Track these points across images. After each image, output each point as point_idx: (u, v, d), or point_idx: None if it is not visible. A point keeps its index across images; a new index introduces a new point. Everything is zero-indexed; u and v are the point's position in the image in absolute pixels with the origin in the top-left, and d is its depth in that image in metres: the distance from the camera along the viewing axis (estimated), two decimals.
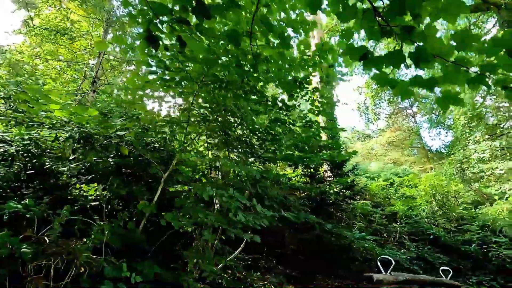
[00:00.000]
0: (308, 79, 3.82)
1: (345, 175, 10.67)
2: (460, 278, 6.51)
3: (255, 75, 3.10)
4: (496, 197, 9.41)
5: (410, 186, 10.42)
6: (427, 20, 1.69)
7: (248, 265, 5.49)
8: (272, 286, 4.46)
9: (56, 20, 9.45)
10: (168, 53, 2.90)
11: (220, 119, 3.82)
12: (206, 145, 4.49)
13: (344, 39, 2.19)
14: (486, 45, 1.55)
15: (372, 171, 14.30)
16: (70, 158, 3.81)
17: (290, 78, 3.68)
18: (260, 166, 6.75)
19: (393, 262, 3.14)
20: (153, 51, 2.57)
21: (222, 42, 2.79)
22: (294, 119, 4.29)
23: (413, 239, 7.73)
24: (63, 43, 9.53)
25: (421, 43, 1.63)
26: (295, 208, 5.62)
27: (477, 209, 9.68)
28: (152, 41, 2.03)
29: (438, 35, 1.65)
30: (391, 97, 22.55)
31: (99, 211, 3.33)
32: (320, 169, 10.59)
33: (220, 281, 3.90)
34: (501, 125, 10.98)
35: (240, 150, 4.34)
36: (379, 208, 9.69)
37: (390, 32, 1.67)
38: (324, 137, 10.22)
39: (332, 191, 8.42)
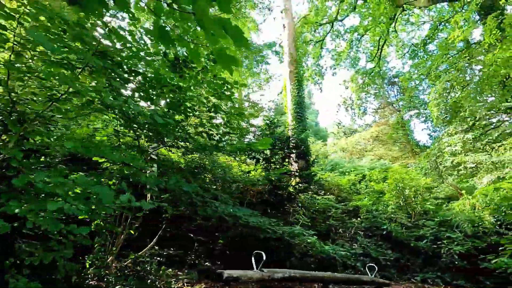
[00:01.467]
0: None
1: (307, 169, 10.38)
2: (406, 275, 6.20)
3: None
4: (463, 192, 9.03)
5: (377, 181, 10.07)
6: None
7: (173, 260, 5.27)
8: (175, 284, 4.20)
9: None
10: None
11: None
12: None
13: None
14: None
15: (347, 166, 13.94)
16: None
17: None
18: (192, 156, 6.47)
19: None
20: None
21: None
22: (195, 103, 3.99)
23: (368, 234, 7.42)
24: None
25: None
26: (222, 202, 5.35)
27: (447, 205, 9.34)
28: None
29: None
30: (378, 91, 22.07)
31: None
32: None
33: (108, 278, 3.64)
34: (476, 117, 10.56)
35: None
36: (342, 203, 9.39)
37: None
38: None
39: (283, 184, 8.13)
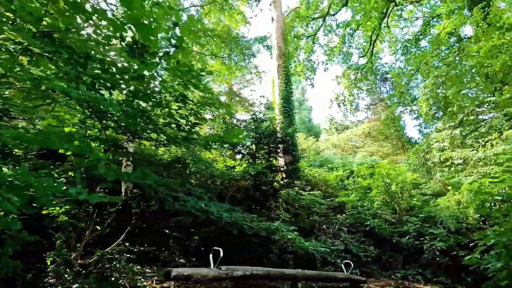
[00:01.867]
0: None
1: (294, 164, 10.23)
2: (388, 271, 6.10)
3: None
4: (450, 188, 8.95)
5: (364, 177, 9.94)
6: None
7: (147, 257, 5.09)
8: (142, 282, 4.02)
9: None
10: None
11: None
12: None
13: None
14: None
15: (336, 162, 13.82)
16: None
17: None
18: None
19: None
20: None
21: None
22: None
23: (351, 231, 7.30)
24: None
25: None
26: (196, 196, 5.18)
27: (435, 201, 9.26)
28: None
29: None
30: (371, 87, 21.96)
31: None
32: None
33: (65, 277, 3.45)
34: (465, 113, 10.46)
35: None
36: (328, 199, 9.27)
37: None
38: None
39: (267, 180, 7.98)
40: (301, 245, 5.60)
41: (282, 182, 8.32)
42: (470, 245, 5.45)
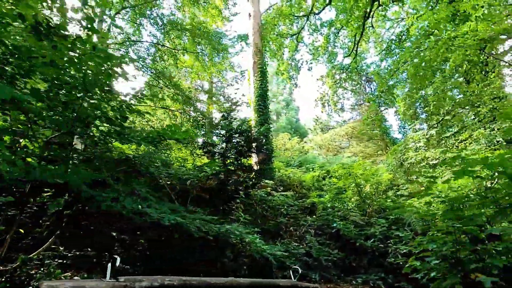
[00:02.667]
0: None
1: (268, 163, 9.94)
2: (350, 276, 5.83)
3: None
4: (422, 188, 8.78)
5: (339, 177, 9.70)
6: None
7: (87, 262, 4.72)
8: None
9: None
10: None
11: None
12: None
13: None
14: None
15: (315, 162, 13.58)
16: None
17: None
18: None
19: None
20: None
21: None
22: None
23: (318, 233, 7.03)
24: None
25: None
26: (142, 197, 4.82)
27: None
28: None
29: None
30: (356, 87, 21.83)
31: None
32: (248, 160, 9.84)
33: None
34: (441, 112, 10.32)
35: None
36: (300, 200, 9.00)
37: None
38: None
39: (233, 180, 7.67)
40: (256, 248, 5.29)
41: (250, 182, 8.01)
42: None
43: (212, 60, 10.33)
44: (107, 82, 3.38)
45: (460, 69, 6.13)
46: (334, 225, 6.74)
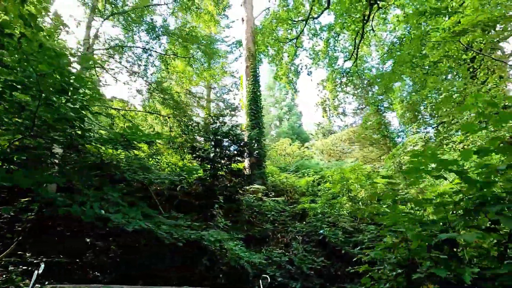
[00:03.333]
0: None
1: (259, 168, 9.74)
2: (334, 285, 5.54)
3: None
4: (419, 193, 8.40)
5: (331, 183, 9.40)
6: None
7: (60, 267, 4.60)
8: None
9: None
10: None
11: None
12: None
13: None
14: None
15: (313, 167, 13.26)
16: None
17: None
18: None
19: None
20: None
21: None
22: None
23: (305, 240, 6.77)
24: None
25: None
26: (113, 202, 4.70)
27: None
28: None
29: None
30: (357, 91, 21.47)
31: None
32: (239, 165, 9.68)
33: None
34: (438, 115, 9.97)
35: None
36: (292, 206, 8.75)
37: None
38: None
39: (219, 185, 7.50)
40: (233, 256, 5.08)
41: (237, 187, 7.83)
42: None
43: (204, 65, 10.29)
44: (62, 83, 3.28)
45: (440, 64, 5.87)
46: (321, 231, 6.47)
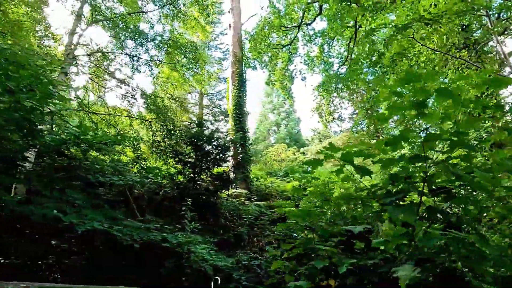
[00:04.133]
0: None
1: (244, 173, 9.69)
2: None
3: None
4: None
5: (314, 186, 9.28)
6: None
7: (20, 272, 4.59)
8: None
9: None
10: None
11: None
12: None
13: None
14: None
15: (301, 172, 13.14)
16: None
17: None
18: None
19: None
20: None
21: None
22: None
23: (274, 245, 6.67)
24: None
25: None
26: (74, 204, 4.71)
27: None
28: None
29: None
30: (352, 96, 21.37)
31: None
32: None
33: None
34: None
35: None
36: (272, 210, 8.65)
37: None
38: None
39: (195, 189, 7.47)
40: (196, 259, 5.01)
41: (212, 190, 7.78)
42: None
43: (189, 71, 10.40)
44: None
45: (399, 62, 5.79)
46: (294, 235, 6.35)
